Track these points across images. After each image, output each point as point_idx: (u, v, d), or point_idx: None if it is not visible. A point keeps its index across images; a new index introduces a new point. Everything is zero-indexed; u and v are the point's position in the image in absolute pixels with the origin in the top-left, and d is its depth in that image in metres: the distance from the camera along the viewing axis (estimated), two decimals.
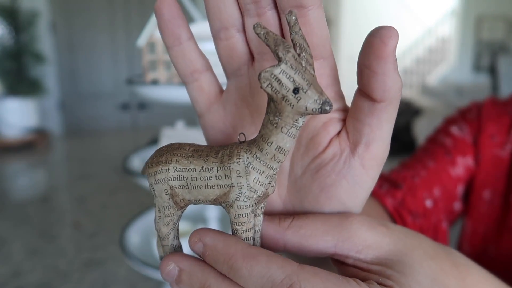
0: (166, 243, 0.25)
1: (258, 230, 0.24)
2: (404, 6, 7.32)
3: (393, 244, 0.24)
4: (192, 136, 0.86)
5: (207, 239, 0.22)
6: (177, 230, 0.25)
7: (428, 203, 0.55)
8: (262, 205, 0.24)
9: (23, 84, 3.21)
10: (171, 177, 0.23)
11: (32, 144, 2.95)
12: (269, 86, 0.19)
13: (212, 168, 0.22)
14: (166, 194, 0.23)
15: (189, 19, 0.80)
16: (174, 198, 0.23)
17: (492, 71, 5.84)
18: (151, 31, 0.79)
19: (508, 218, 0.55)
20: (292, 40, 0.20)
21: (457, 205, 0.59)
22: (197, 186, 0.22)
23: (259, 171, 0.21)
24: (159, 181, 0.23)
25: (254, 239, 0.24)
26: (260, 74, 0.19)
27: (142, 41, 0.80)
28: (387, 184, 0.55)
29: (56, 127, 3.88)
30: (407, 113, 5.44)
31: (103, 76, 4.43)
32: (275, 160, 0.21)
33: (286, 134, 0.21)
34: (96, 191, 1.78)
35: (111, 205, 1.62)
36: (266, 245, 0.25)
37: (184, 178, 0.22)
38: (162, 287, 1.04)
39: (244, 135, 0.23)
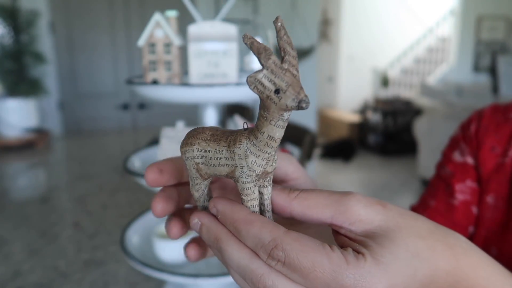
0: (198, 204, 0.31)
1: (268, 198, 0.29)
2: (404, 5, 7.31)
3: (384, 221, 0.27)
4: None
5: (218, 206, 0.28)
6: (207, 195, 0.31)
7: None
8: (268, 178, 0.28)
9: (23, 84, 3.21)
10: (195, 155, 0.29)
11: (32, 144, 2.95)
12: (255, 88, 0.24)
13: (222, 150, 0.27)
14: (193, 168, 0.29)
15: (189, 19, 0.80)
16: (199, 171, 0.29)
17: (492, 71, 5.84)
18: (151, 31, 0.79)
19: None
20: (278, 44, 0.24)
21: (471, 228, 0.62)
22: (213, 164, 0.28)
23: (256, 154, 0.26)
24: (188, 158, 0.29)
25: (264, 205, 0.29)
26: (247, 79, 0.23)
27: (142, 41, 0.80)
28: None
29: (56, 127, 3.87)
30: (407, 113, 5.43)
31: (103, 76, 4.43)
32: (268, 146, 0.26)
33: (274, 125, 0.25)
34: (96, 191, 1.78)
35: (111, 205, 1.62)
36: (275, 211, 0.29)
37: (204, 157, 0.28)
38: (162, 287, 1.04)
39: (247, 124, 0.28)
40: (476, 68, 6.72)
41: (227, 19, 0.75)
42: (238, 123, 0.92)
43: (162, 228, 0.94)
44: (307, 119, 4.34)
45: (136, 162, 0.96)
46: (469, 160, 0.64)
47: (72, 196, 1.74)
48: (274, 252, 0.25)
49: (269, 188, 0.29)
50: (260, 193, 0.29)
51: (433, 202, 0.64)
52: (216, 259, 0.94)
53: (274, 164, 0.28)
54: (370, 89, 7.38)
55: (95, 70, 4.39)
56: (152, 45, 0.79)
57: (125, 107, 4.52)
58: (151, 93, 0.79)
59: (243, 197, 0.28)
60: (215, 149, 0.27)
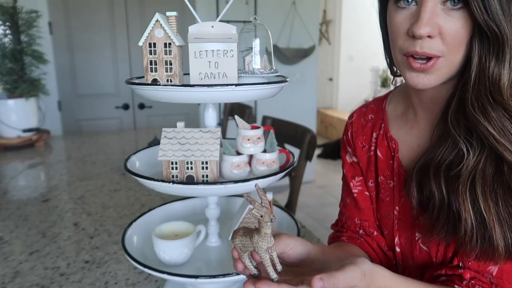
0: (248, 267, 0.59)
1: (276, 258, 0.57)
2: None
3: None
4: (192, 136, 0.86)
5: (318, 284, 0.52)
6: (250, 261, 0.59)
7: (360, 231, 0.86)
8: (272, 248, 0.56)
9: (23, 85, 3.21)
10: (238, 242, 0.58)
11: (32, 144, 2.95)
12: (253, 215, 0.53)
13: (248, 239, 0.56)
14: (238, 248, 0.58)
15: (189, 19, 0.80)
16: (241, 249, 0.58)
17: None
18: (151, 30, 0.79)
19: (379, 193, 0.82)
20: (258, 194, 0.55)
21: (370, 205, 0.86)
22: (245, 245, 0.57)
23: (261, 240, 0.55)
24: (235, 244, 0.58)
25: (275, 262, 0.57)
26: (251, 211, 0.54)
27: (142, 41, 0.80)
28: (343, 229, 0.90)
29: (56, 127, 3.87)
30: None
31: (103, 76, 4.43)
32: (265, 236, 0.55)
33: (265, 227, 0.54)
34: (96, 191, 1.78)
35: (111, 205, 1.62)
36: None
37: (242, 242, 0.57)
38: (162, 287, 1.04)
39: (255, 226, 0.57)
40: None
41: (227, 20, 0.75)
42: (238, 123, 0.93)
43: (162, 228, 0.94)
44: (307, 119, 4.34)
45: (136, 162, 0.96)
46: (354, 159, 0.87)
47: (72, 196, 1.74)
48: None
49: (275, 253, 0.57)
50: (271, 256, 0.56)
51: (347, 199, 0.89)
52: (216, 259, 0.94)
53: (272, 243, 0.55)
54: (370, 89, 7.38)
55: (95, 70, 4.39)
56: (152, 45, 0.79)
57: (125, 107, 4.53)
58: (151, 93, 0.79)
59: (262, 261, 0.55)
60: (245, 239, 0.57)
